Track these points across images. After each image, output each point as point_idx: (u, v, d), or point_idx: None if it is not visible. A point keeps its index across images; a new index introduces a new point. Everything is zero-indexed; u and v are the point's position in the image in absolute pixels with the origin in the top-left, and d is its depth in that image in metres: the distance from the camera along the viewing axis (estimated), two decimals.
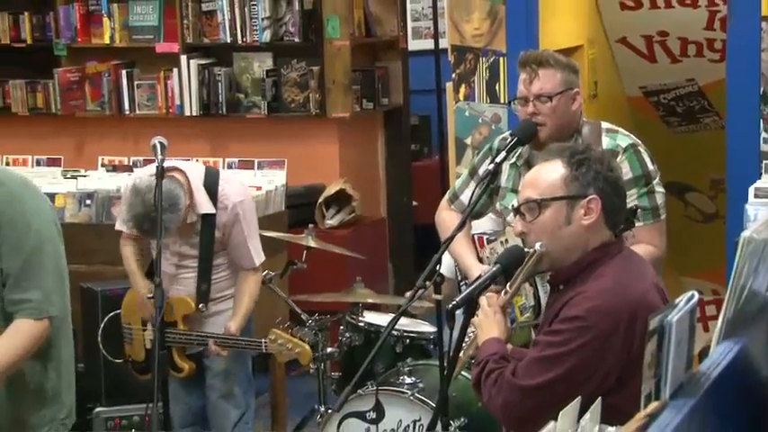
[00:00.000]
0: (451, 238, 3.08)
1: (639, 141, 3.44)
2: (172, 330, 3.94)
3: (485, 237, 3.55)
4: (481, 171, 3.39)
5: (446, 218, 3.63)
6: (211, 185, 3.95)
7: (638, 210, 3.07)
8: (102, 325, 4.20)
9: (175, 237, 3.94)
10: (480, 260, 3.45)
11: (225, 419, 4.11)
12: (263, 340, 3.92)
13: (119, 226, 4.12)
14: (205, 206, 3.92)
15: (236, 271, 4.09)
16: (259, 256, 4.06)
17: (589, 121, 3.46)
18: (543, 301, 3.02)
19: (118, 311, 4.18)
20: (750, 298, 1.72)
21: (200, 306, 4.01)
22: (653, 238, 3.37)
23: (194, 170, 4.02)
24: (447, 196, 3.73)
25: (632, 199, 3.22)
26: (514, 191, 3.28)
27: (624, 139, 3.40)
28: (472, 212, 3.32)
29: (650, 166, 3.39)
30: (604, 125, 3.45)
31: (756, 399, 1.73)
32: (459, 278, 3.59)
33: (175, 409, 3.99)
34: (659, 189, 3.40)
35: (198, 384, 4.16)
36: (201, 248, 3.97)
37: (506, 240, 3.29)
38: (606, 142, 3.41)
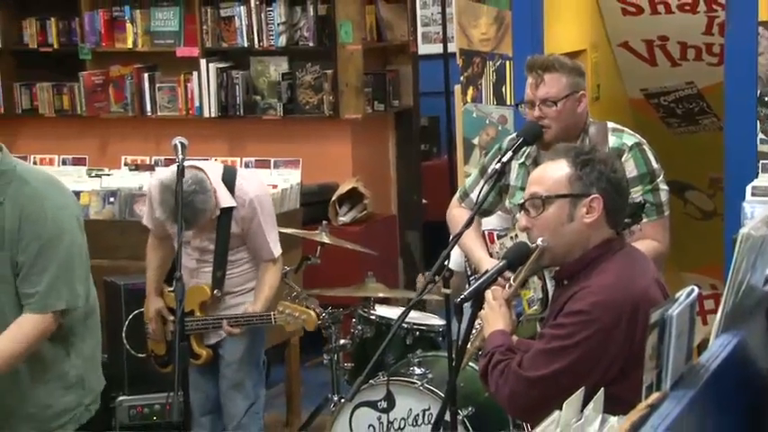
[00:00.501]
0: (460, 235, 3.08)
1: (644, 140, 3.44)
2: (189, 318, 3.94)
3: (495, 233, 3.57)
4: (490, 170, 3.39)
5: (456, 215, 3.63)
6: (230, 182, 3.96)
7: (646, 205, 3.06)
8: (126, 322, 4.20)
9: (197, 232, 3.94)
10: (490, 255, 3.45)
11: (234, 409, 4.10)
12: (271, 313, 3.90)
13: (146, 222, 4.11)
14: (226, 200, 3.92)
15: (255, 266, 4.09)
16: (277, 248, 4.05)
17: (596, 122, 3.46)
18: (551, 294, 3.02)
19: (141, 310, 4.18)
20: (748, 292, 1.71)
21: (215, 291, 3.99)
22: (657, 234, 3.36)
23: (213, 168, 4.03)
24: (458, 194, 3.74)
25: (637, 196, 3.21)
26: (523, 189, 3.26)
27: (630, 138, 3.40)
28: (481, 209, 3.32)
29: (654, 165, 3.38)
30: (610, 125, 3.44)
31: (754, 389, 1.72)
32: (470, 273, 3.60)
33: (195, 398, 3.99)
34: (663, 187, 3.39)
35: (216, 374, 4.16)
36: (218, 240, 3.96)
37: (516, 236, 3.29)
38: (612, 141, 3.40)
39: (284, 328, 4.04)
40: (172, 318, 4.03)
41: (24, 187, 2.94)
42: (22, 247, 2.90)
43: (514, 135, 3.58)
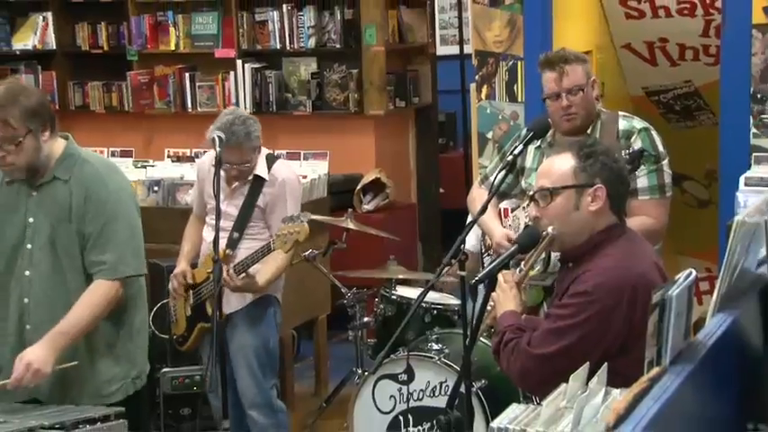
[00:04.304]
0: (474, 221, 3.06)
1: (652, 127, 3.42)
2: (205, 286, 3.88)
3: (509, 208, 3.64)
4: (503, 162, 3.38)
5: (476, 195, 3.66)
6: (270, 162, 3.94)
7: (647, 184, 3.03)
8: (153, 311, 4.13)
9: (226, 196, 3.84)
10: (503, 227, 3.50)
11: (246, 390, 3.96)
12: (269, 241, 3.71)
13: (191, 200, 4.00)
14: (261, 170, 3.88)
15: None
16: None
17: (607, 111, 3.44)
18: (553, 255, 3.01)
19: (166, 300, 4.16)
20: (742, 275, 1.69)
21: (228, 251, 3.83)
22: (655, 212, 3.34)
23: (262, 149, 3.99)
24: (479, 178, 3.78)
25: (642, 174, 3.18)
26: (537, 170, 3.27)
27: (639, 122, 3.41)
28: (499, 192, 3.34)
29: (660, 148, 3.37)
30: (621, 113, 3.44)
31: (747, 364, 1.71)
32: (483, 250, 3.61)
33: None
34: (667, 170, 3.38)
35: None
36: (244, 204, 3.87)
37: (527, 206, 3.27)
38: (623, 124, 3.40)
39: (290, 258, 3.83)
40: (191, 291, 3.97)
41: (87, 167, 2.98)
42: (88, 219, 2.93)
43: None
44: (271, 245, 3.69)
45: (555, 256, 3.03)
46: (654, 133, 3.38)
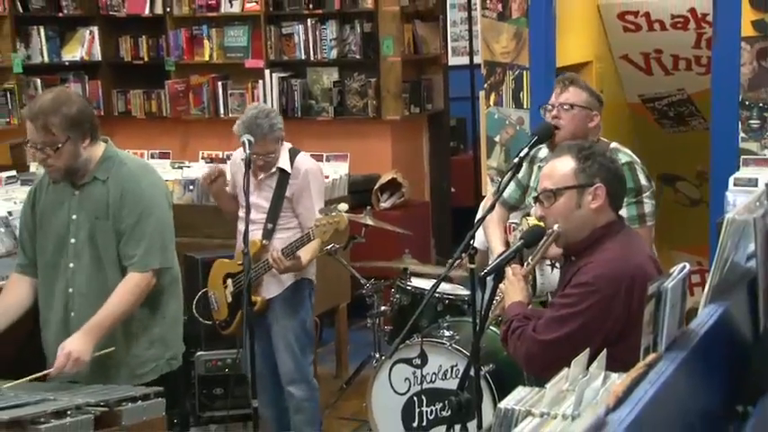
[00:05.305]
0: (482, 219, 3.06)
1: (637, 160, 3.32)
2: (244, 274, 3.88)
3: (513, 225, 3.72)
4: (510, 164, 3.38)
5: (486, 203, 3.69)
6: (292, 155, 3.93)
7: (626, 215, 3.01)
8: (195, 299, 4.16)
9: (255, 188, 3.84)
10: (507, 242, 3.49)
11: (284, 367, 3.96)
12: (309, 230, 3.73)
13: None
14: (284, 163, 3.88)
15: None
16: None
17: (603, 140, 3.38)
18: (539, 281, 3.07)
19: (205, 290, 4.17)
20: (732, 268, 1.67)
21: (264, 242, 3.87)
22: None
23: (285, 144, 3.99)
24: (492, 190, 3.83)
25: (624, 205, 3.15)
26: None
27: (624, 156, 3.27)
28: (507, 205, 3.46)
29: (643, 182, 3.27)
30: (613, 144, 3.33)
31: (737, 351, 1.69)
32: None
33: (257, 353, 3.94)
34: (647, 201, 3.27)
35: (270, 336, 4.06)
36: (274, 196, 3.89)
37: (522, 229, 3.31)
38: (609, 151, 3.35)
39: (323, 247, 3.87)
40: (230, 279, 3.98)
41: (123, 169, 2.99)
42: (123, 216, 2.94)
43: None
44: (311, 234, 3.70)
45: (540, 282, 3.06)
46: (637, 166, 3.28)
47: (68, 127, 2.86)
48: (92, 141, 2.95)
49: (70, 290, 3.00)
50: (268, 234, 3.90)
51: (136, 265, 2.94)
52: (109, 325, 2.90)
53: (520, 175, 3.45)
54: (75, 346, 2.81)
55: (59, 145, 2.86)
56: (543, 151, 3.42)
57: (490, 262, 3.51)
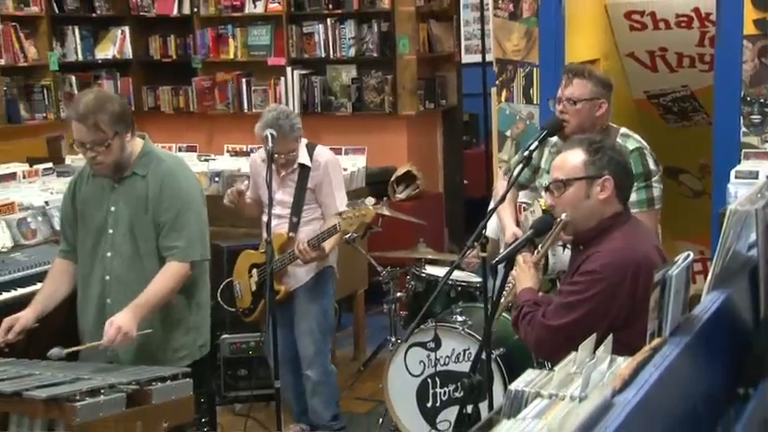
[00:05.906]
0: (493, 210, 3.05)
1: (646, 145, 3.29)
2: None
3: (523, 205, 3.66)
4: (519, 156, 3.36)
5: (498, 187, 3.68)
6: (310, 150, 3.95)
7: (636, 198, 2.99)
8: (220, 287, 4.16)
9: (278, 185, 3.87)
10: (518, 222, 3.50)
11: (305, 351, 3.99)
12: (336, 224, 3.73)
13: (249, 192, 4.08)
14: (304, 158, 3.89)
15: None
16: (343, 204, 3.88)
17: (613, 126, 3.36)
18: (551, 260, 3.06)
19: (230, 279, 4.17)
20: (734, 257, 1.66)
21: (290, 234, 3.89)
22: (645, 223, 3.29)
23: (303, 140, 4.00)
24: (504, 168, 3.79)
25: (633, 189, 3.13)
26: (549, 171, 3.24)
27: (633, 142, 3.26)
28: (518, 183, 3.40)
29: (651, 166, 3.24)
30: (622, 130, 3.32)
31: (738, 336, 1.68)
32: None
33: (279, 338, 3.95)
34: (656, 185, 3.25)
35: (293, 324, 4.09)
36: (297, 190, 3.90)
37: (533, 211, 3.28)
38: (619, 143, 3.32)
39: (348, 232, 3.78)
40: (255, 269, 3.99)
41: (162, 164, 3.01)
42: (163, 209, 2.96)
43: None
44: (337, 226, 3.70)
45: (552, 262, 3.05)
46: (646, 152, 3.25)
47: (116, 122, 2.88)
48: (132, 136, 2.98)
49: (107, 278, 3.02)
50: (294, 227, 3.92)
51: (177, 256, 2.95)
52: (151, 306, 2.91)
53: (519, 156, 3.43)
54: (124, 322, 2.82)
55: (109, 141, 2.88)
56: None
57: (501, 242, 3.53)
